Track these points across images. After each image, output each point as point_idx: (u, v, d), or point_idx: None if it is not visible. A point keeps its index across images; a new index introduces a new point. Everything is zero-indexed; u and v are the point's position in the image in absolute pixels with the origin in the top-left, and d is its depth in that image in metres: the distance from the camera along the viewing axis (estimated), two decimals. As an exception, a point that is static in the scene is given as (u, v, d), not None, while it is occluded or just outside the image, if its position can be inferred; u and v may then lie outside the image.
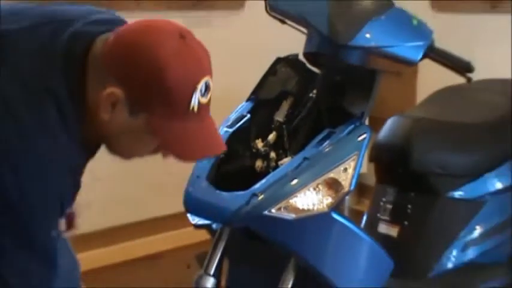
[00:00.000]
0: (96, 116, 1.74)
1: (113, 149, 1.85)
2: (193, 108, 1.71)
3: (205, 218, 2.16)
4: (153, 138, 1.77)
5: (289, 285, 2.13)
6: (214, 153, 1.90)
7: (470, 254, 2.90)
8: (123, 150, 1.85)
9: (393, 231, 2.85)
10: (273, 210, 2.02)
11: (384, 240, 2.68)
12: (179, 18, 4.23)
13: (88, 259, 3.70)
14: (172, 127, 1.73)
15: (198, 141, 1.78)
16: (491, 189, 2.96)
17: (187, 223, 2.17)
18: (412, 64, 2.26)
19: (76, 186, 1.86)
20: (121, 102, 1.70)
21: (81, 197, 2.03)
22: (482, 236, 2.92)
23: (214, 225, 2.20)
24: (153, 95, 1.69)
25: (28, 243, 1.76)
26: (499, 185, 2.97)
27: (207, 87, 1.74)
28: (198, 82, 1.71)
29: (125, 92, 1.69)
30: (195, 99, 1.71)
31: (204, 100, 1.74)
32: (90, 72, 1.75)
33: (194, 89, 1.70)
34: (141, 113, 1.71)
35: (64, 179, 1.77)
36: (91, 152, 1.93)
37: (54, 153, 1.74)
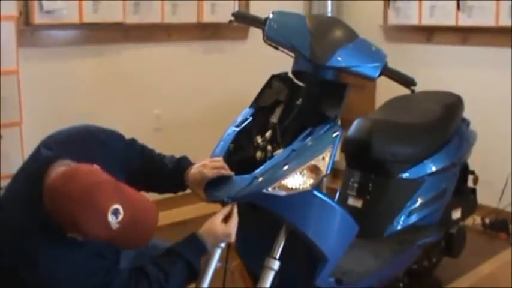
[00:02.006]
0: None
1: None
2: (116, 227, 1.61)
3: (219, 194, 2.06)
4: None
5: (281, 246, 2.08)
6: (148, 239, 1.74)
7: (413, 218, 2.87)
8: None
9: (358, 203, 2.85)
10: (270, 189, 1.96)
11: (352, 210, 2.66)
12: (201, 46, 4.25)
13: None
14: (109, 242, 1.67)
15: (134, 240, 1.70)
16: (428, 171, 2.93)
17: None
18: (372, 80, 2.21)
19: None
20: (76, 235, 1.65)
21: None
22: (422, 205, 2.90)
23: (225, 200, 2.12)
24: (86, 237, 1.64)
25: None
26: (433, 168, 2.95)
27: (115, 212, 1.61)
28: (106, 217, 1.59)
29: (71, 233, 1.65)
30: (113, 224, 1.60)
31: (119, 219, 1.61)
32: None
33: (107, 223, 1.59)
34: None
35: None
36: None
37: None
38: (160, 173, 2.11)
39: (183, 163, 2.11)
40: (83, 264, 1.73)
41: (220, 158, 2.09)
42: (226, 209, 1.98)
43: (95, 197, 1.59)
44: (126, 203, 1.63)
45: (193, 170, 2.07)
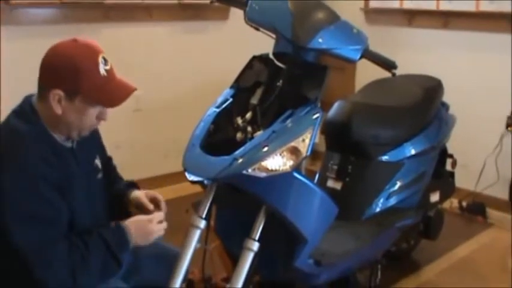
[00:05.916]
0: (53, 115, 1.84)
1: (75, 130, 1.90)
2: (104, 74, 1.86)
3: (199, 175, 2.07)
4: (92, 106, 1.87)
5: (261, 227, 2.07)
6: (129, 94, 1.93)
7: (392, 201, 2.89)
8: (81, 126, 1.89)
9: (338, 185, 2.86)
10: (249, 170, 1.95)
11: (331, 192, 2.65)
12: (182, 26, 4.22)
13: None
14: (99, 90, 1.85)
15: (117, 91, 1.90)
16: (408, 154, 2.95)
17: (186, 179, 2.10)
18: (352, 62, 2.20)
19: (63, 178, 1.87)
20: (62, 96, 1.82)
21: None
22: (401, 188, 2.91)
23: (205, 181, 2.13)
24: (77, 81, 1.82)
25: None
26: (413, 151, 2.96)
27: (105, 59, 1.89)
28: (96, 59, 1.86)
29: (60, 88, 1.82)
30: (102, 69, 1.86)
31: (107, 67, 1.89)
32: (38, 95, 1.89)
33: (97, 64, 1.85)
34: (76, 95, 1.83)
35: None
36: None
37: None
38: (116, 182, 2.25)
39: (134, 185, 2.26)
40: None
41: (162, 214, 2.09)
42: (161, 215, 2.04)
43: (92, 43, 1.91)
44: (112, 64, 1.92)
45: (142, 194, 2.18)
